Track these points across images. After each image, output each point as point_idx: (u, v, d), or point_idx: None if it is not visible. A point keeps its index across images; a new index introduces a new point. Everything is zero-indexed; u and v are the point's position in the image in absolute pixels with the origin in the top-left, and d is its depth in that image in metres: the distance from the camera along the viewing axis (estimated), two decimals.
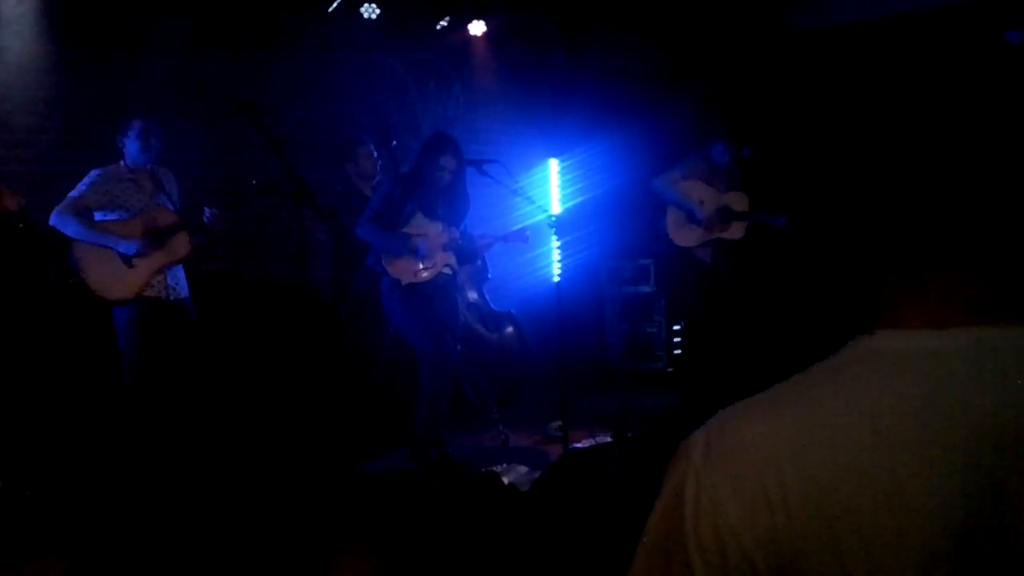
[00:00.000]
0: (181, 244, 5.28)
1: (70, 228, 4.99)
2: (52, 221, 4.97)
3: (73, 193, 5.06)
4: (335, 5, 6.89)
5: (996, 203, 0.86)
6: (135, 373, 5.04)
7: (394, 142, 6.61)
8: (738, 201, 6.31)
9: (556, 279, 5.82)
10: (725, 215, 6.28)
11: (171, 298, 5.22)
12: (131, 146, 5.16)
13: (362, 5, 6.98)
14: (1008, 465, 0.81)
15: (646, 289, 8.02)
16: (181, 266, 5.33)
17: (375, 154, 6.33)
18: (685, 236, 6.30)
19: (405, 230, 5.41)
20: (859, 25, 7.34)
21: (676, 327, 7.58)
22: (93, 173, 5.14)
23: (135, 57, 6.00)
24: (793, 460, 0.84)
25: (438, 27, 7.61)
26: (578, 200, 7.99)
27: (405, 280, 5.41)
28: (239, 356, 1.58)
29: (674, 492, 0.90)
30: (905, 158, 0.88)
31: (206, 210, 5.26)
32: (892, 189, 0.89)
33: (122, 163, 5.20)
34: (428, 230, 5.46)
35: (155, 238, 5.17)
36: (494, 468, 5.17)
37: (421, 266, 5.42)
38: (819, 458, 0.83)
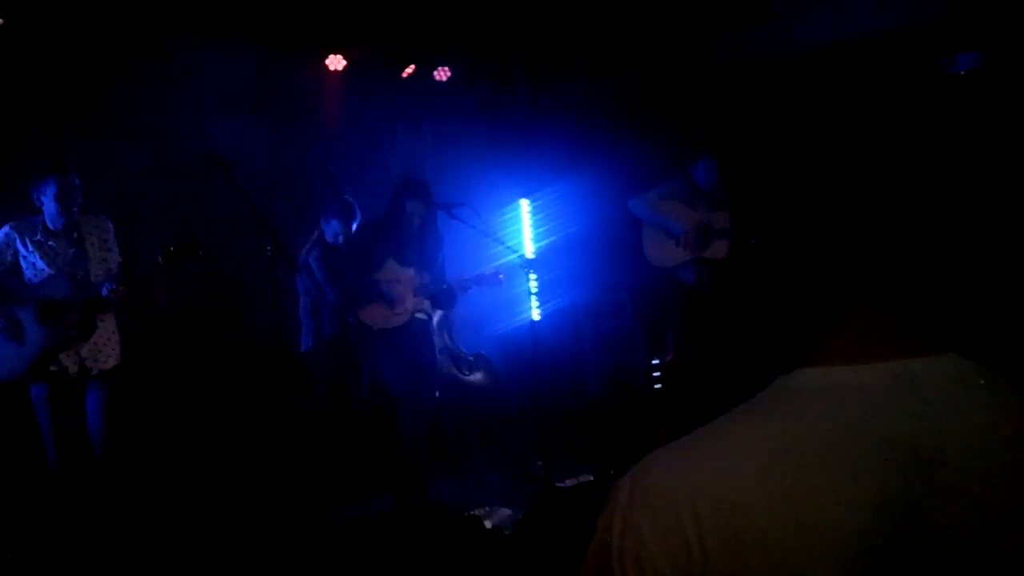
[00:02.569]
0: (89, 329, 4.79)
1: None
2: None
3: None
4: (301, 56, 6.93)
5: (912, 238, 0.88)
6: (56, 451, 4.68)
7: (347, 194, 6.56)
8: (720, 220, 6.24)
9: (535, 319, 5.82)
10: (705, 234, 6.23)
11: (92, 371, 4.79)
12: (48, 206, 4.72)
13: (328, 56, 7.02)
14: (922, 489, 0.83)
15: (624, 323, 8.02)
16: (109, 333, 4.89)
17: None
18: (661, 255, 6.25)
19: (377, 276, 5.42)
20: (785, 59, 7.48)
21: (655, 361, 7.59)
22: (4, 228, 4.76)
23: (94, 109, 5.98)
24: (707, 494, 0.86)
25: (404, 75, 7.66)
26: (551, 239, 8.01)
27: (377, 326, 5.42)
28: (198, 418, 1.58)
29: (603, 531, 0.91)
30: (820, 195, 0.90)
31: (105, 286, 4.66)
32: (810, 227, 0.91)
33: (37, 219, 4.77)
34: (400, 275, 5.47)
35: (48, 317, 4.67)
36: (476, 512, 5.15)
37: (391, 311, 5.42)
38: (731, 490, 0.85)
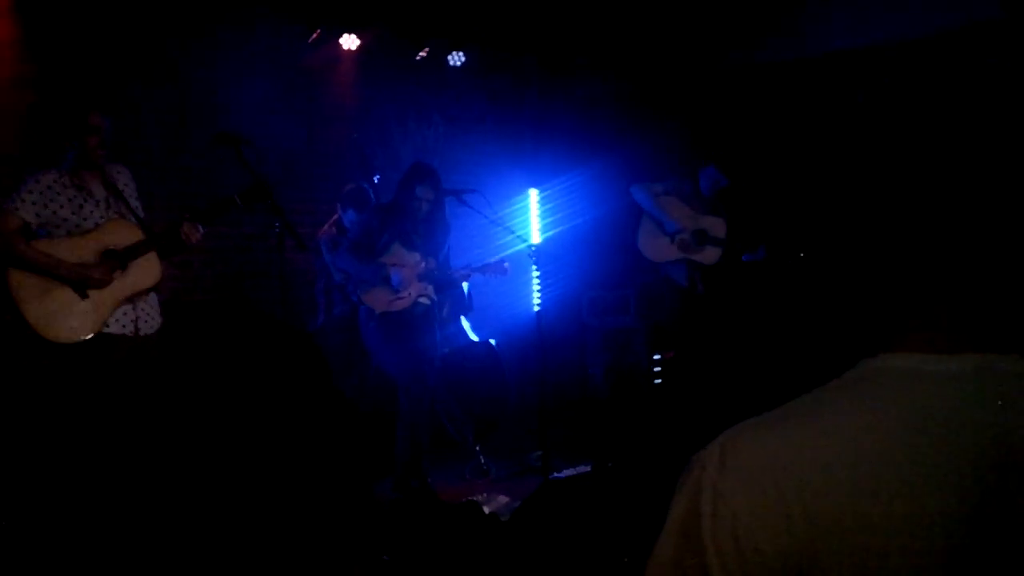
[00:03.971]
0: (150, 269, 4.53)
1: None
2: None
3: (7, 205, 4.33)
4: (314, 36, 6.93)
5: (1003, 236, 0.90)
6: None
7: (376, 176, 6.62)
8: (716, 227, 6.28)
9: (536, 308, 5.84)
10: (700, 238, 6.25)
11: (141, 333, 4.50)
12: (95, 147, 4.41)
13: (341, 36, 7.02)
14: (1009, 479, 0.85)
15: (627, 320, 8.04)
16: (153, 294, 4.60)
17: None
18: (655, 249, 6.26)
19: (382, 260, 5.43)
20: (798, 63, 7.50)
21: (656, 357, 7.60)
22: (30, 179, 4.37)
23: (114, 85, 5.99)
24: (810, 474, 0.87)
25: (417, 58, 7.66)
26: (558, 230, 8.03)
27: (379, 309, 5.43)
28: (215, 392, 1.59)
29: (689, 501, 0.92)
30: (914, 195, 0.92)
31: (185, 226, 4.51)
32: (904, 224, 0.92)
33: (64, 167, 4.43)
34: (405, 260, 5.48)
35: (115, 261, 4.42)
36: (475, 498, 5.16)
37: (395, 295, 5.44)
38: (836, 473, 0.86)
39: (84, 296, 4.32)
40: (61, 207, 4.37)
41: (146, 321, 4.53)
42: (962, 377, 0.89)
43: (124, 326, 4.44)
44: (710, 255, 6.23)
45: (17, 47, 5.65)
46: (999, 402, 0.88)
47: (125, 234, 4.47)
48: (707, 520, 0.89)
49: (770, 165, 7.34)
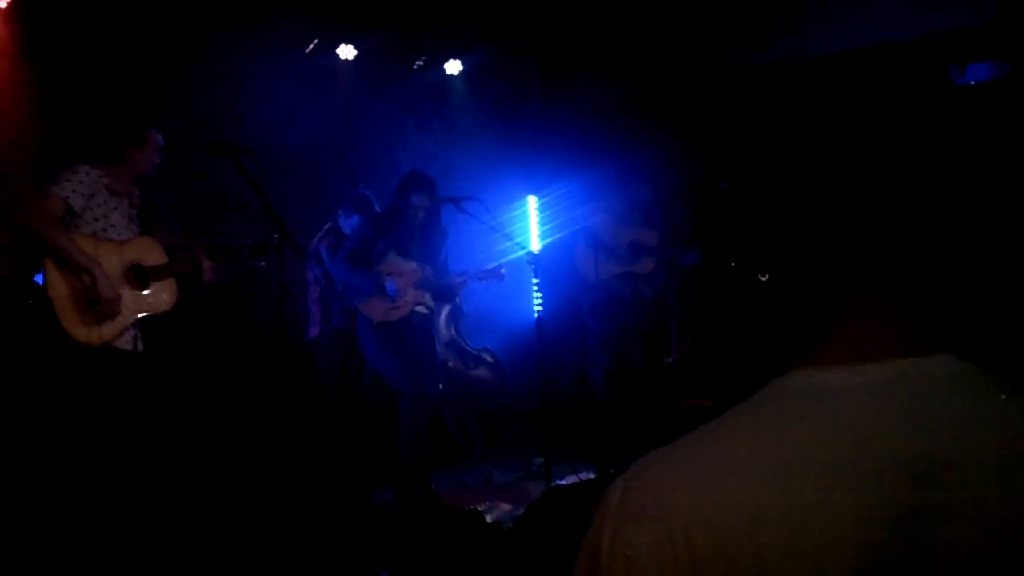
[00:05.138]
0: (167, 294, 4.55)
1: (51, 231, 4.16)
2: (32, 224, 4.18)
3: (53, 188, 4.23)
4: (312, 46, 6.94)
5: (908, 234, 0.87)
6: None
7: (362, 185, 6.59)
8: (648, 237, 6.43)
9: (536, 314, 5.84)
10: (635, 250, 6.40)
11: (138, 350, 4.49)
12: (143, 160, 4.48)
13: (339, 45, 7.03)
14: (918, 498, 0.81)
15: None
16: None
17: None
18: (595, 268, 6.39)
19: (379, 268, 5.42)
20: (792, 65, 7.48)
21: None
22: (81, 168, 4.31)
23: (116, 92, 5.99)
24: (698, 501, 0.85)
25: (415, 66, 7.66)
26: (557, 236, 8.02)
27: (376, 318, 5.42)
28: (211, 402, 1.59)
29: (593, 534, 0.90)
30: (816, 192, 0.89)
31: (205, 263, 4.61)
32: (806, 224, 0.90)
33: (103, 166, 4.41)
34: (401, 268, 5.47)
35: (138, 277, 4.46)
36: (477, 506, 5.15)
37: (391, 305, 5.42)
38: (724, 498, 0.84)
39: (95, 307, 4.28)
40: (99, 206, 4.36)
41: (141, 339, 4.55)
42: (870, 389, 0.86)
43: (127, 342, 4.45)
44: (646, 264, 6.40)
45: (16, 52, 5.66)
46: (908, 413, 0.84)
47: (153, 253, 4.52)
48: (605, 553, 0.88)
49: (751, 160, 7.33)
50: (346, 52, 7.06)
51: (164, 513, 4.46)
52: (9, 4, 5.60)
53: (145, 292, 4.47)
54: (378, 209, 6.06)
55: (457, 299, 6.63)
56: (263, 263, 4.98)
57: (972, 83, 6.18)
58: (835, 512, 0.81)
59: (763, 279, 0.95)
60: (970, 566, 0.81)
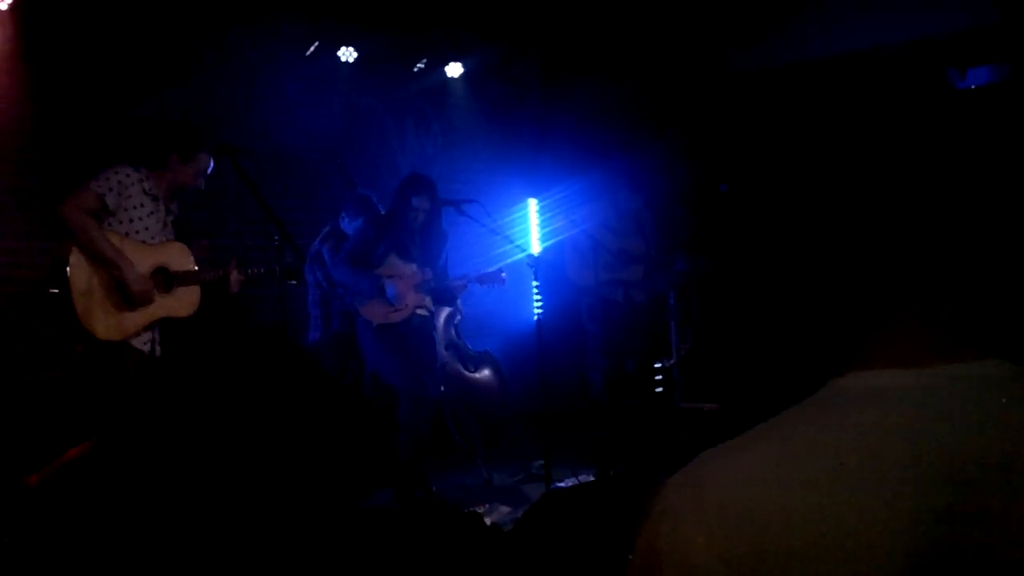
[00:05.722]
0: (190, 299, 4.60)
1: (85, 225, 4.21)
2: (66, 215, 4.22)
3: (91, 184, 4.28)
4: (313, 48, 6.94)
5: (958, 241, 0.88)
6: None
7: (358, 187, 6.59)
8: (636, 246, 6.49)
9: (536, 317, 5.85)
10: (624, 258, 6.45)
11: (156, 354, 4.54)
12: (183, 174, 4.53)
13: (339, 48, 7.03)
14: (970, 499, 0.82)
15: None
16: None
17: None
18: (586, 276, 6.41)
19: (379, 271, 5.42)
20: (794, 69, 7.51)
21: (657, 364, 7.60)
22: (121, 168, 4.38)
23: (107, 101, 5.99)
24: (761, 499, 0.85)
25: (415, 69, 7.66)
26: (558, 239, 8.02)
27: (376, 321, 5.41)
28: (213, 404, 1.58)
29: (650, 535, 0.90)
30: (864, 203, 0.90)
31: (233, 275, 4.65)
32: (856, 232, 0.90)
33: (146, 170, 4.48)
34: (402, 271, 5.47)
35: (164, 281, 4.50)
36: (477, 508, 5.15)
37: (392, 307, 5.42)
38: (786, 497, 0.84)
39: (127, 302, 4.34)
40: (133, 208, 4.40)
41: (159, 344, 4.58)
42: (922, 392, 0.86)
43: (145, 343, 4.47)
44: (634, 272, 6.45)
45: (17, 52, 5.66)
46: (957, 415, 0.85)
47: (182, 259, 4.57)
48: (665, 548, 0.88)
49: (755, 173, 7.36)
50: (347, 54, 7.06)
51: (167, 512, 4.46)
52: (10, 5, 5.60)
53: (168, 295, 4.51)
54: (381, 209, 6.06)
55: (457, 302, 6.63)
56: (295, 282, 5.02)
57: (973, 87, 6.20)
58: (885, 516, 0.82)
59: (793, 285, 0.95)
60: (1013, 573, 0.81)
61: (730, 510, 0.86)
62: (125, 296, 4.35)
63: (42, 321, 4.57)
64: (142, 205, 4.43)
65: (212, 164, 4.62)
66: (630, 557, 0.93)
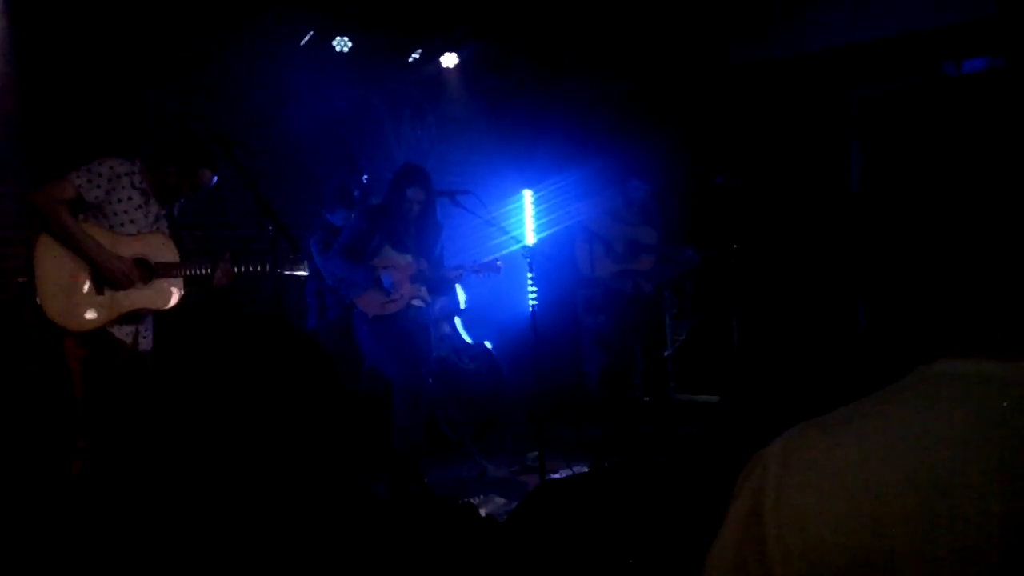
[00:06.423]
0: (169, 292, 4.48)
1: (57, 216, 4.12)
2: (37, 203, 4.13)
3: (71, 175, 4.21)
4: (307, 38, 6.91)
5: None
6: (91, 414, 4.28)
7: (365, 176, 6.61)
8: (646, 235, 6.48)
9: (531, 308, 5.85)
10: (633, 248, 6.44)
11: (139, 348, 4.45)
12: (176, 184, 4.46)
13: (334, 38, 7.00)
14: None
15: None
16: (151, 316, 4.54)
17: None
18: (598, 267, 6.42)
19: (374, 263, 5.41)
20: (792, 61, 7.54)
21: (665, 354, 7.61)
22: (105, 161, 4.30)
23: (105, 91, 5.96)
24: (876, 475, 0.86)
25: (410, 59, 7.64)
26: (552, 230, 8.02)
27: (372, 312, 5.40)
28: (211, 396, 1.57)
29: (753, 498, 0.91)
30: (964, 200, 0.90)
31: (220, 267, 4.53)
32: (960, 229, 0.91)
33: (140, 165, 4.42)
34: (396, 262, 5.46)
35: (143, 272, 4.39)
36: (471, 499, 5.14)
37: (387, 298, 5.41)
38: (901, 475, 0.86)
39: (100, 291, 4.24)
40: (120, 201, 4.32)
41: (144, 337, 4.50)
42: (1014, 382, 0.88)
43: (127, 335, 4.40)
44: (645, 262, 6.45)
45: (9, 47, 5.63)
46: None
47: (163, 251, 4.46)
48: (770, 516, 0.89)
49: (757, 164, 7.39)
50: (341, 44, 7.03)
51: (160, 504, 4.44)
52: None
53: (146, 287, 4.40)
54: (359, 197, 6.07)
55: (454, 293, 6.62)
56: (301, 273, 4.88)
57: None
58: (995, 489, 0.84)
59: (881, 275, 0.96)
60: None
61: (846, 474, 0.87)
62: (102, 285, 4.26)
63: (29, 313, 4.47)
64: (130, 199, 4.37)
65: (215, 179, 4.55)
66: (726, 522, 0.94)
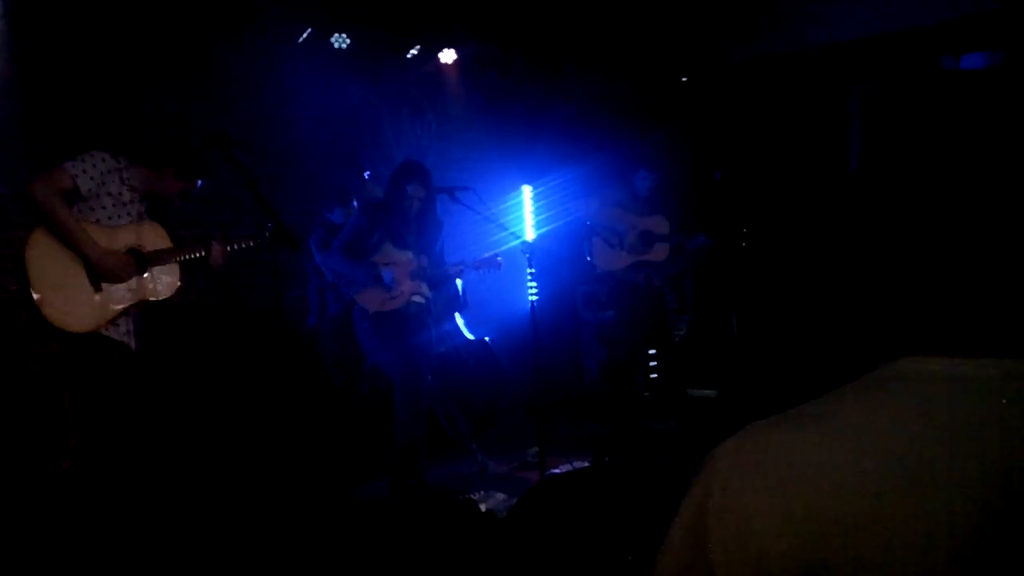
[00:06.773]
0: (168, 280, 4.44)
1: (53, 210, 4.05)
2: (36, 194, 4.06)
3: (66, 165, 4.15)
4: (305, 35, 6.90)
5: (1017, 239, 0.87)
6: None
7: (367, 172, 6.62)
8: (659, 225, 6.45)
9: (531, 304, 5.86)
10: (647, 239, 6.42)
11: (132, 346, 4.37)
12: (168, 185, 4.45)
13: (332, 35, 6.99)
14: (1016, 505, 0.82)
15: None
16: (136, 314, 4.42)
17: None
18: (609, 260, 6.41)
19: (374, 259, 5.41)
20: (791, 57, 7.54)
21: (652, 351, 7.61)
22: (97, 154, 4.25)
23: (105, 91, 5.95)
24: (821, 475, 0.85)
25: (409, 56, 7.63)
26: (552, 226, 8.02)
27: (372, 309, 5.41)
28: (205, 391, 1.57)
29: (700, 498, 0.90)
30: (933, 195, 0.89)
31: (215, 247, 4.50)
32: (927, 225, 0.89)
33: (128, 161, 4.38)
34: (397, 259, 5.46)
35: (138, 262, 4.33)
36: (472, 495, 5.15)
37: (388, 295, 5.41)
38: (846, 475, 0.84)
39: (98, 288, 4.19)
40: (109, 195, 4.28)
41: (135, 334, 4.44)
42: (985, 382, 0.87)
43: (124, 333, 4.34)
44: (659, 252, 6.42)
45: (9, 47, 5.63)
46: (1008, 414, 0.85)
47: (154, 238, 4.41)
48: (714, 517, 0.88)
49: (754, 157, 7.40)
50: (339, 41, 7.02)
51: (160, 503, 4.45)
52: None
53: (144, 278, 4.35)
54: (356, 197, 6.08)
55: (455, 289, 6.62)
56: (294, 250, 4.80)
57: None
58: (942, 489, 0.83)
59: (850, 271, 0.95)
60: None
61: (793, 475, 0.86)
62: (97, 282, 4.21)
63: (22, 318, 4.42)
64: (119, 194, 4.33)
65: (199, 185, 4.54)
66: (676, 518, 0.93)
